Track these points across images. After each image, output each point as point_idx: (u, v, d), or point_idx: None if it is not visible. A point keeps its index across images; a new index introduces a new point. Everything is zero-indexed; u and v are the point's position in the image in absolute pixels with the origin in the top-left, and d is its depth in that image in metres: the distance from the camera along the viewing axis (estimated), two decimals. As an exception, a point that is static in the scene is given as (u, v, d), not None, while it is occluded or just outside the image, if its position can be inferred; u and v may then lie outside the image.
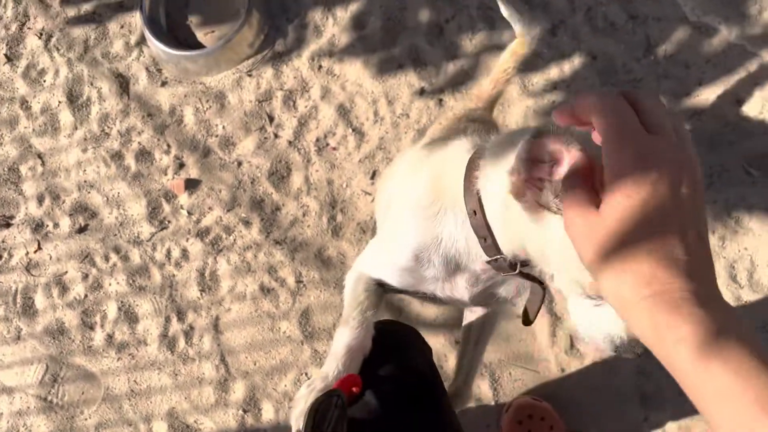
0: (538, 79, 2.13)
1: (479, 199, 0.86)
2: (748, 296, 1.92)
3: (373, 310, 1.08)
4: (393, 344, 1.12)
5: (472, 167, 0.87)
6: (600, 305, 0.74)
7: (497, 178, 0.79)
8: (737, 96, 2.05)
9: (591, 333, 0.78)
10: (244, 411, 2.04)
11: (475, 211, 0.87)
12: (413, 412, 1.02)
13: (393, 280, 1.06)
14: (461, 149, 0.96)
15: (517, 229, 0.79)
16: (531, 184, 0.65)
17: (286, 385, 2.04)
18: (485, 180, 0.84)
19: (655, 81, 2.08)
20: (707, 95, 2.06)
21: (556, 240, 0.69)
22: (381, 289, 1.12)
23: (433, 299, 1.09)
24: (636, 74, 2.10)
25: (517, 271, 0.88)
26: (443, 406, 1.11)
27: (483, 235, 0.87)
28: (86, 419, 2.10)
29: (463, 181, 0.88)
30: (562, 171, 0.61)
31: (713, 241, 1.94)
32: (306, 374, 2.04)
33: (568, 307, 0.80)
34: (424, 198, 0.98)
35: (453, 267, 0.98)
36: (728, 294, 1.92)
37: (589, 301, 0.75)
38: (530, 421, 1.79)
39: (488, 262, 0.91)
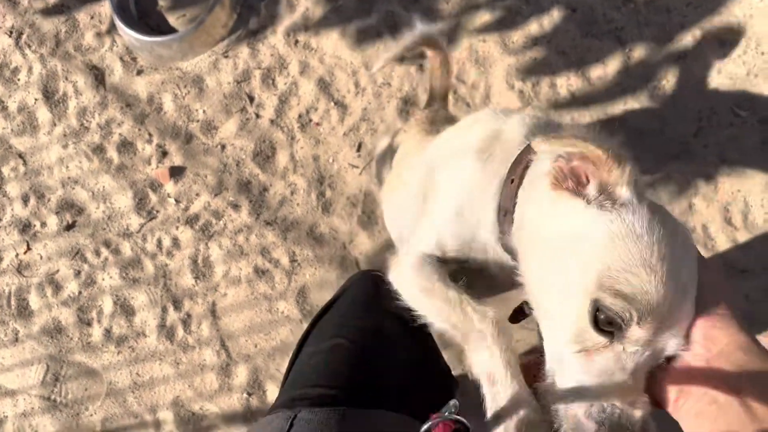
0: (518, 37, 2.09)
1: (524, 170, 0.81)
2: (744, 237, 1.90)
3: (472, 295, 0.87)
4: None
5: (529, 145, 0.83)
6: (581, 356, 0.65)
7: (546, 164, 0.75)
8: (720, 38, 2.01)
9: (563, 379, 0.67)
10: (249, 394, 2.04)
11: (512, 179, 0.82)
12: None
13: (448, 236, 0.92)
14: (523, 121, 0.92)
15: (531, 227, 0.76)
16: (571, 176, 0.69)
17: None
18: (537, 160, 0.80)
19: (636, 28, 2.05)
20: (690, 39, 2.03)
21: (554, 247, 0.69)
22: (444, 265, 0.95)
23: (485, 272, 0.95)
24: (617, 23, 2.06)
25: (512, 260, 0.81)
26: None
27: (505, 207, 0.82)
28: (91, 415, 2.09)
29: (519, 149, 0.85)
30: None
31: (705, 188, 1.93)
32: (307, 352, 2.03)
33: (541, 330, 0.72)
34: (477, 143, 0.92)
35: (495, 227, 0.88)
36: (724, 237, 1.90)
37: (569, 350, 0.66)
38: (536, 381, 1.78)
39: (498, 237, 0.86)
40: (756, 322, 1.84)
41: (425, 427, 0.65)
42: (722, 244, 1.92)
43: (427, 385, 1.03)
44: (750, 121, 1.95)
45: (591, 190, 0.68)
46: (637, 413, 0.61)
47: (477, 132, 0.95)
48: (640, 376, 0.62)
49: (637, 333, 0.61)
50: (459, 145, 0.99)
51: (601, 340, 0.63)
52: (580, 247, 0.66)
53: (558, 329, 0.67)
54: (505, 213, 0.83)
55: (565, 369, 0.66)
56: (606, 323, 0.62)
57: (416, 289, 0.88)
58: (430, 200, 1.03)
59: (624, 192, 0.66)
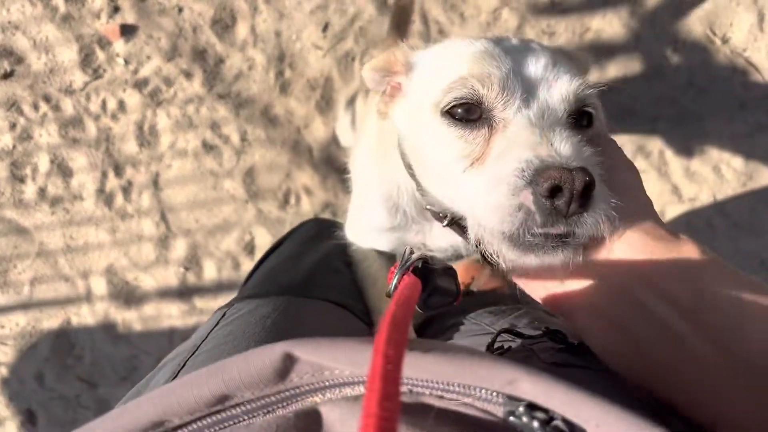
0: (506, -69, 1.98)
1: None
2: (696, 167, 1.91)
3: None
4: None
5: None
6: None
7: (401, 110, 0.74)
8: (711, -40, 1.95)
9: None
10: (186, 269, 2.00)
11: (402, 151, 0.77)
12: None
13: (381, 244, 0.98)
14: None
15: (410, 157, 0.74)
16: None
17: (229, 244, 1.99)
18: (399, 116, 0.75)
19: (628, -62, 1.95)
20: (680, -42, 1.95)
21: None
22: (384, 254, 1.04)
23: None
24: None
25: (445, 223, 0.73)
26: None
27: (410, 173, 0.77)
28: (20, 273, 2.03)
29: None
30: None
31: (669, 110, 1.91)
32: (250, 233, 2.00)
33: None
34: (375, 141, 0.89)
35: (426, 213, 0.86)
36: (677, 164, 1.91)
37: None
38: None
39: (427, 209, 0.80)
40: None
41: (393, 284, 0.59)
42: (675, 170, 1.92)
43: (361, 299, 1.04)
44: (723, 50, 1.92)
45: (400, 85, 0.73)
46: (563, 147, 0.52)
47: (371, 129, 0.94)
48: (552, 131, 0.55)
49: (503, 101, 0.58)
50: (362, 149, 0.99)
51: (477, 137, 0.58)
52: (421, 114, 0.65)
53: (446, 174, 0.62)
54: (414, 177, 0.77)
55: (472, 191, 0.58)
56: (465, 114, 0.59)
57: (358, 267, 1.04)
58: (355, 185, 1.05)
59: (411, 57, 0.71)
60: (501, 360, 0.41)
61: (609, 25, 1.93)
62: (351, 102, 1.58)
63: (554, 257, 0.53)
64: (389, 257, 1.06)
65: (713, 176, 1.90)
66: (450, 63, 0.64)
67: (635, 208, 0.56)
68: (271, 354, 0.41)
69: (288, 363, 0.41)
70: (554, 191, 0.49)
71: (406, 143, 0.74)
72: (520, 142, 0.54)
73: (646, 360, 0.51)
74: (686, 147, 1.91)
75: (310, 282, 0.96)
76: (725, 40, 1.91)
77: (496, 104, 0.58)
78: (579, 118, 0.61)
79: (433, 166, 0.65)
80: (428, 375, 0.40)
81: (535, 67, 0.61)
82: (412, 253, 0.62)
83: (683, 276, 0.50)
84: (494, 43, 0.64)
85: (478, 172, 0.57)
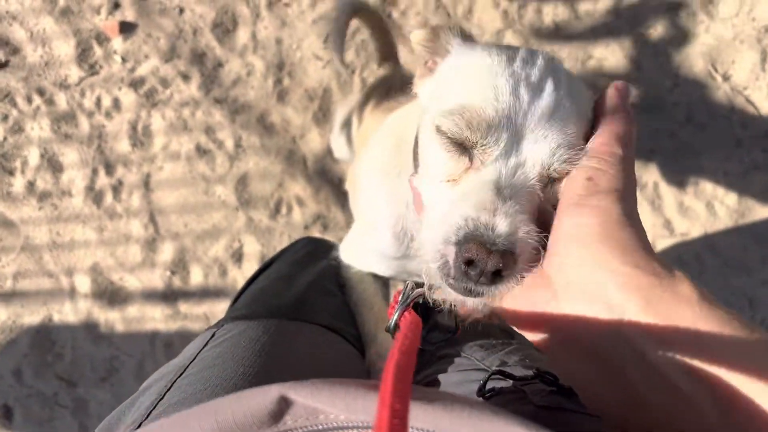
0: (514, -48, 1.96)
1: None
2: (690, 203, 1.91)
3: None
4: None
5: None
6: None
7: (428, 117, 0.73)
8: (717, -5, 1.94)
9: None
10: (172, 272, 1.98)
11: (417, 166, 0.78)
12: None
13: (381, 270, 0.98)
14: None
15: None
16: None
17: (217, 251, 1.98)
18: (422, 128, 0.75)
19: (636, -32, 1.95)
20: (687, -9, 1.95)
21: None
22: (380, 279, 1.05)
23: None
24: (618, -41, 1.95)
25: None
26: None
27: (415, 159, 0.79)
28: (3, 267, 2.00)
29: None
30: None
31: (667, 143, 1.90)
32: (239, 240, 1.98)
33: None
34: (387, 161, 0.89)
35: None
36: (671, 198, 1.90)
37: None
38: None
39: None
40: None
41: (393, 319, 0.60)
42: (668, 204, 1.92)
43: (354, 323, 1.02)
44: (723, 87, 1.92)
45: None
46: (501, 223, 0.54)
47: (382, 148, 0.94)
48: (514, 194, 0.57)
49: (483, 147, 0.59)
50: (372, 170, 0.97)
51: (459, 163, 0.61)
52: (429, 113, 0.67)
53: (431, 176, 0.65)
54: None
55: (437, 204, 0.63)
56: (454, 144, 0.61)
57: (361, 306, 1.02)
58: (359, 207, 1.04)
59: (450, 45, 0.70)
60: (501, 412, 0.42)
61: (612, 54, 1.93)
62: (347, 123, 1.56)
63: (470, 300, 0.57)
64: (385, 282, 1.06)
65: (706, 212, 1.90)
66: (462, 81, 0.66)
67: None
68: (265, 396, 0.41)
69: (283, 405, 0.41)
70: (470, 262, 0.54)
71: (422, 123, 0.76)
72: (478, 193, 0.57)
73: (635, 402, 0.49)
74: (681, 181, 1.91)
75: (301, 304, 0.95)
76: (726, 77, 1.91)
77: (477, 148, 0.60)
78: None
79: (424, 160, 0.68)
80: (432, 426, 0.40)
81: (534, 113, 0.60)
82: (413, 288, 0.63)
83: (684, 332, 0.48)
84: (508, 73, 0.63)
85: (449, 189, 0.61)
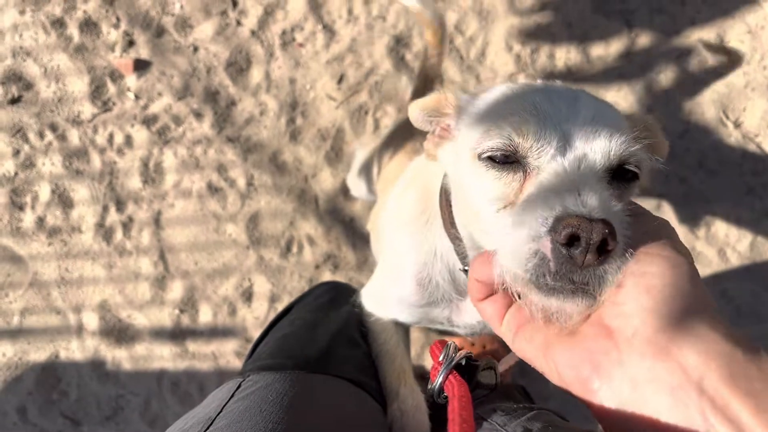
0: (527, -3, 1.98)
1: (446, 194, 0.80)
2: (702, 248, 1.91)
3: (413, 377, 1.00)
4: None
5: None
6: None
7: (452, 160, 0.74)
8: (726, 39, 1.96)
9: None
10: (181, 311, 1.97)
11: (443, 210, 0.81)
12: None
13: (403, 316, 0.98)
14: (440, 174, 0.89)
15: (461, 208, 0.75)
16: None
17: (227, 289, 1.97)
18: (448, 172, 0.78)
19: (647, 14, 1.96)
20: (697, 37, 1.96)
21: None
22: (402, 327, 1.05)
23: (450, 329, 1.00)
24: (629, 4, 1.97)
25: None
26: None
27: (452, 235, 0.80)
28: (11, 303, 1.99)
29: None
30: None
31: (678, 189, 1.91)
32: (249, 279, 1.97)
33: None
34: (414, 209, 0.91)
35: (458, 285, 0.89)
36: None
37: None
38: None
39: (463, 270, 0.83)
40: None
41: (438, 382, 0.58)
42: (680, 249, 1.92)
43: (376, 376, 1.01)
44: (735, 134, 1.93)
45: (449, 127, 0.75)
46: (590, 198, 0.50)
47: (409, 197, 0.95)
48: (585, 183, 0.53)
49: (537, 149, 0.58)
50: (398, 218, 0.98)
51: (512, 180, 0.60)
52: (464, 155, 0.68)
53: (481, 214, 0.63)
54: (457, 240, 0.81)
55: (499, 237, 0.57)
56: (502, 163, 0.60)
57: (382, 357, 1.01)
58: (383, 255, 1.05)
59: (458, 102, 0.72)
60: None
61: (624, 99, 1.94)
62: (366, 167, 1.56)
63: (572, 303, 0.52)
64: (406, 329, 1.05)
65: (718, 258, 1.90)
66: (492, 109, 0.66)
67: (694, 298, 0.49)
68: None
69: None
70: (572, 240, 0.49)
71: (452, 183, 0.77)
72: (550, 189, 0.54)
73: None
74: (693, 226, 1.91)
75: (327, 356, 0.94)
76: (738, 124, 1.92)
77: (530, 153, 0.58)
78: (620, 174, 0.60)
79: (470, 206, 0.66)
80: None
81: (577, 117, 0.60)
82: (456, 349, 0.63)
83: None
84: (539, 91, 0.64)
85: (508, 214, 0.58)
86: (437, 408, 1.03)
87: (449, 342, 0.66)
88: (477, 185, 0.62)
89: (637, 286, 0.48)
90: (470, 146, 0.63)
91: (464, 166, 0.65)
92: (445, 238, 0.84)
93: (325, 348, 0.96)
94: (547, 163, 0.57)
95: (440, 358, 0.63)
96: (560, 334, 0.52)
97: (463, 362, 0.62)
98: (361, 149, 1.68)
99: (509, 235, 0.54)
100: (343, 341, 1.01)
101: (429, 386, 0.63)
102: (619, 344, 0.47)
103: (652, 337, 0.45)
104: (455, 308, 0.94)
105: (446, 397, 0.60)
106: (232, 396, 0.79)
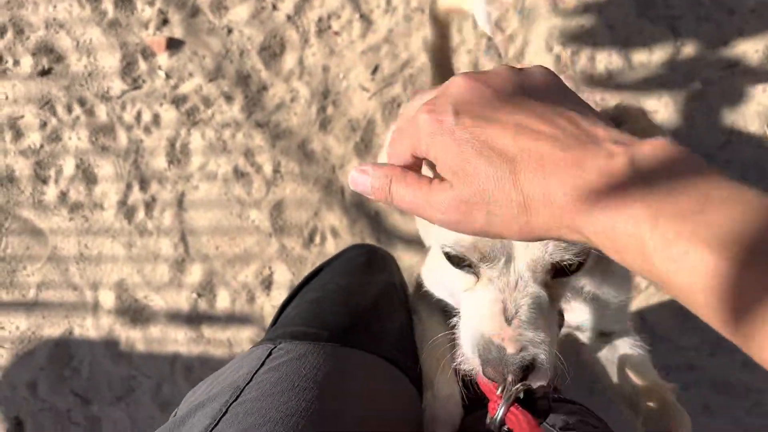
0: (570, -3, 1.94)
1: None
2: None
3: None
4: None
5: None
6: None
7: None
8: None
9: None
10: (199, 295, 1.94)
11: None
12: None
13: (448, 299, 0.97)
14: None
15: None
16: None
17: (246, 276, 1.94)
18: None
19: (694, 22, 1.91)
20: (744, 48, 1.91)
21: None
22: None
23: None
24: (676, 11, 1.92)
25: None
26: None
27: None
28: (28, 276, 1.97)
29: None
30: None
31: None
32: (270, 268, 1.94)
33: None
34: None
35: None
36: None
37: None
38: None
39: None
40: (723, 349, 1.81)
41: (498, 416, 0.62)
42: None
43: (414, 353, 0.97)
44: (778, 148, 1.87)
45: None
46: (510, 347, 0.59)
47: None
48: (519, 307, 0.61)
49: (485, 265, 0.63)
50: None
51: (469, 276, 0.67)
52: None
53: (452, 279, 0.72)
54: None
55: (465, 308, 0.69)
56: (458, 262, 0.66)
57: (420, 323, 1.00)
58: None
59: None
60: None
61: (664, 107, 1.89)
62: None
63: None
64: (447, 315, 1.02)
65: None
66: None
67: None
68: None
69: None
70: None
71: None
72: (487, 312, 0.62)
73: None
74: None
75: (362, 329, 0.90)
76: (781, 139, 1.87)
77: (480, 265, 0.63)
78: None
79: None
80: None
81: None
82: (513, 382, 0.63)
83: None
84: None
85: (469, 297, 0.67)
86: (471, 401, 1.00)
87: (509, 377, 0.66)
88: (447, 268, 0.70)
89: None
90: (440, 241, 0.68)
91: (437, 249, 0.72)
92: None
93: (361, 320, 0.92)
94: (495, 276, 0.63)
95: (498, 392, 0.65)
96: None
97: (521, 395, 0.64)
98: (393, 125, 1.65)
99: (466, 330, 0.66)
100: (380, 314, 0.97)
101: (488, 419, 0.66)
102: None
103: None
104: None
105: (509, 430, 0.65)
106: (263, 364, 0.75)
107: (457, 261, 0.66)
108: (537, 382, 0.60)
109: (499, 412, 0.60)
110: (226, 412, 0.65)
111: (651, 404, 0.80)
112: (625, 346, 0.88)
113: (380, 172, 0.56)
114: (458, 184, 0.48)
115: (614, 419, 0.93)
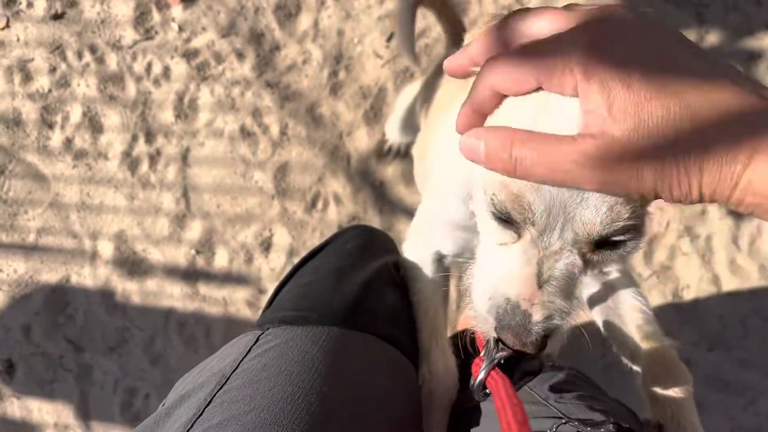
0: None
1: None
2: (744, 262, 1.82)
3: (447, 336, 0.97)
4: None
5: None
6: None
7: None
8: (803, 50, 1.85)
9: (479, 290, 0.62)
10: (197, 252, 1.93)
11: None
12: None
13: (447, 247, 0.93)
14: None
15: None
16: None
17: (246, 236, 1.92)
18: None
19: (722, 10, 1.86)
20: (771, 41, 1.86)
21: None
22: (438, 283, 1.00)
23: None
24: (704, -2, 1.87)
25: None
26: None
27: None
28: (29, 220, 1.97)
29: None
30: None
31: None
32: (270, 230, 1.92)
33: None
34: None
35: None
36: (724, 254, 1.81)
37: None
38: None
39: None
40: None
41: (479, 378, 0.58)
42: (720, 260, 1.83)
43: (409, 329, 0.94)
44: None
45: None
46: (536, 315, 0.55)
47: None
48: (553, 278, 0.56)
49: (529, 223, 0.57)
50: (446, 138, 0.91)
51: (509, 233, 0.60)
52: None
53: (485, 230, 0.64)
54: None
55: (486, 263, 0.62)
56: (501, 219, 0.59)
57: (410, 289, 0.98)
58: (432, 178, 0.98)
59: None
60: None
61: (683, 95, 1.84)
62: (414, 102, 1.51)
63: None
64: (442, 280, 0.99)
65: (758, 274, 1.81)
66: None
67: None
68: None
69: None
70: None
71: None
72: (519, 272, 0.57)
73: None
74: (736, 238, 1.82)
75: (355, 309, 0.87)
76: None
77: (524, 223, 0.57)
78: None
79: (480, 223, 0.66)
80: None
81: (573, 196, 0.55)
82: (496, 347, 0.61)
83: None
84: None
85: (500, 253, 0.60)
86: (467, 372, 0.98)
87: (490, 338, 0.62)
88: (485, 218, 0.62)
89: None
90: (482, 183, 0.60)
91: (480, 193, 0.62)
92: None
93: (353, 299, 0.89)
94: (537, 235, 0.57)
95: (481, 354, 0.62)
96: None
97: (502, 361, 0.60)
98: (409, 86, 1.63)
99: (477, 292, 0.60)
100: (374, 292, 0.94)
101: (471, 380, 0.62)
102: None
103: None
104: None
105: (489, 393, 0.61)
106: (249, 350, 0.74)
107: (500, 217, 0.61)
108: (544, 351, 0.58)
109: (481, 375, 0.58)
110: (211, 401, 0.64)
111: (653, 361, 0.78)
112: (629, 297, 0.86)
113: (498, 134, 0.49)
114: (628, 134, 0.42)
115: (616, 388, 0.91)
